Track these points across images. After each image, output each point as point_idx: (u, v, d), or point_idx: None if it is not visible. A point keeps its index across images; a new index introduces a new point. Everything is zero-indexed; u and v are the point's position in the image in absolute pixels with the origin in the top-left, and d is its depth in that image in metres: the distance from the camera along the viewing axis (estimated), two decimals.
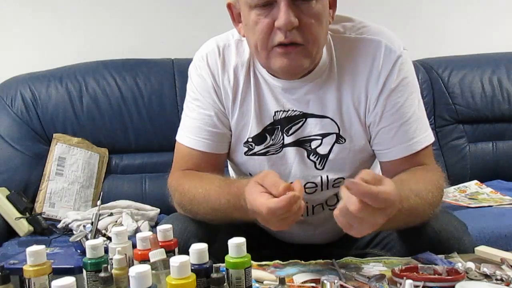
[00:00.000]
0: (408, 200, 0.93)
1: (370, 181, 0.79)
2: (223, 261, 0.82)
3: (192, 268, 0.75)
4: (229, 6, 1.08)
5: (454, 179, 2.08)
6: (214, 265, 0.80)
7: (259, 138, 1.12)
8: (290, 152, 1.12)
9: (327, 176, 1.12)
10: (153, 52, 2.19)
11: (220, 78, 1.11)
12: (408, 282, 0.79)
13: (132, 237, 0.94)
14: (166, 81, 2.09)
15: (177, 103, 2.04)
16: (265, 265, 1.00)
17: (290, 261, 1.01)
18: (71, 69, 2.08)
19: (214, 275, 0.73)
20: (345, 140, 1.10)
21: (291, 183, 0.88)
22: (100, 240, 0.88)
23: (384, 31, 1.08)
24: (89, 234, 1.06)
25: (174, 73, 2.10)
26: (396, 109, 1.06)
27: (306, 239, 1.22)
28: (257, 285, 0.89)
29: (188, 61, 1.19)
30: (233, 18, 1.08)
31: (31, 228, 1.74)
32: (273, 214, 0.84)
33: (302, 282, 0.90)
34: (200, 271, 0.77)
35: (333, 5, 1.05)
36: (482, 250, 0.99)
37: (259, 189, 0.88)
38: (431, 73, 2.24)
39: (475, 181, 2.11)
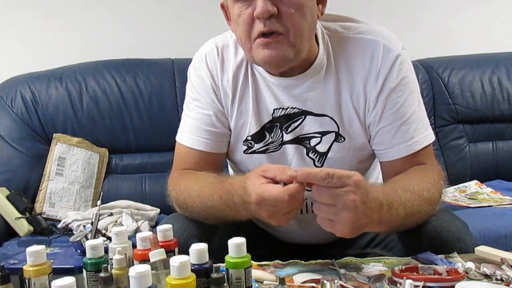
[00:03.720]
0: (397, 194, 0.93)
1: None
2: (223, 261, 0.82)
3: (192, 268, 0.75)
4: (222, 6, 1.09)
5: (454, 179, 2.09)
6: (214, 265, 0.80)
7: (258, 136, 1.12)
8: (289, 149, 1.12)
9: None
10: (153, 52, 2.19)
11: (219, 78, 1.11)
12: (408, 282, 0.79)
13: (132, 237, 0.94)
14: (166, 81, 2.08)
15: (177, 103, 2.04)
16: (265, 265, 1.00)
17: (290, 261, 1.01)
18: (71, 69, 2.08)
19: (214, 275, 0.73)
20: (344, 139, 1.10)
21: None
22: (100, 240, 0.88)
23: (382, 31, 1.09)
24: (89, 234, 1.06)
25: (174, 73, 2.10)
26: (395, 109, 1.06)
27: (305, 238, 1.22)
28: (257, 285, 0.89)
29: (188, 61, 1.19)
30: (227, 18, 1.09)
31: (31, 228, 1.74)
32: (293, 198, 0.85)
33: (302, 282, 0.90)
34: (200, 271, 0.77)
35: (321, 0, 1.05)
36: (482, 250, 0.99)
37: (264, 180, 0.88)
38: (431, 73, 2.24)
39: (475, 181, 2.11)
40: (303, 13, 0.98)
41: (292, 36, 0.98)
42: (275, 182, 0.88)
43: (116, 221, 1.71)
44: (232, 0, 1.01)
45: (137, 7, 2.28)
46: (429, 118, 1.14)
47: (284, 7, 0.97)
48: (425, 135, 1.09)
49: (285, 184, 0.87)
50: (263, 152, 1.13)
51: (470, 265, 0.91)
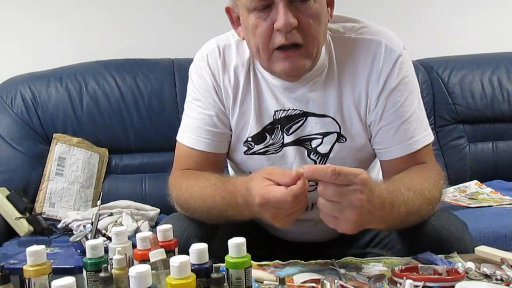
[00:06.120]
0: (400, 192, 0.94)
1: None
2: (223, 261, 0.82)
3: (192, 268, 0.75)
4: (227, 10, 1.08)
5: (454, 179, 2.09)
6: (214, 265, 0.80)
7: (258, 138, 1.12)
8: (290, 151, 1.12)
9: None
10: (153, 52, 2.19)
11: (220, 78, 1.11)
12: (408, 282, 0.79)
13: (132, 237, 0.94)
14: (166, 81, 2.09)
15: (177, 103, 2.04)
16: (265, 265, 1.00)
17: (290, 261, 1.01)
18: (71, 69, 2.08)
19: (214, 275, 0.73)
20: (346, 139, 1.10)
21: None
22: (100, 240, 0.88)
23: (384, 31, 1.09)
24: (89, 234, 1.06)
25: (174, 73, 2.10)
26: (396, 108, 1.06)
27: (305, 236, 1.22)
28: (257, 285, 0.89)
29: (188, 61, 1.19)
30: (232, 22, 1.09)
31: (31, 228, 1.74)
32: (296, 199, 0.85)
33: (302, 282, 0.90)
34: (200, 271, 0.77)
35: (330, 3, 1.05)
36: (482, 250, 0.99)
37: (268, 182, 0.88)
38: (431, 73, 2.24)
39: (475, 181, 2.11)
40: (319, 23, 0.99)
41: (310, 46, 0.99)
42: (279, 184, 0.88)
43: (116, 221, 1.71)
44: (247, 10, 0.99)
45: (137, 7, 2.28)
46: (429, 118, 1.14)
47: (303, 18, 0.96)
48: (425, 135, 1.09)
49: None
50: (263, 153, 1.13)
51: (470, 265, 0.91)
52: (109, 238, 1.04)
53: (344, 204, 0.84)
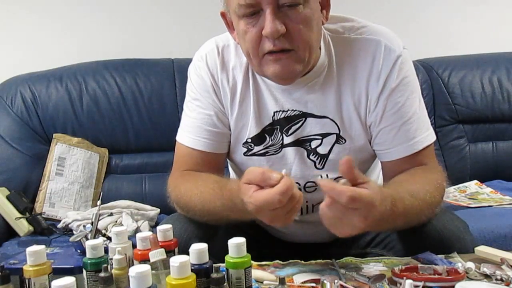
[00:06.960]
0: (403, 201, 0.93)
1: (351, 179, 0.82)
2: (223, 261, 0.82)
3: (192, 268, 0.75)
4: (222, 14, 1.08)
5: (454, 179, 2.08)
6: (214, 265, 0.80)
7: (258, 139, 1.12)
8: (290, 152, 1.12)
9: (327, 176, 1.12)
10: (153, 52, 2.19)
11: (219, 77, 1.11)
12: (408, 282, 0.79)
13: (132, 237, 0.94)
14: (166, 81, 2.09)
15: (177, 103, 2.04)
16: (265, 265, 1.00)
17: (290, 261, 1.01)
18: (71, 69, 2.08)
19: (214, 275, 0.73)
20: (345, 140, 1.10)
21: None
22: (100, 240, 0.88)
23: (384, 31, 1.08)
24: (89, 234, 1.06)
25: (174, 73, 2.10)
26: (396, 109, 1.06)
27: (306, 238, 1.22)
28: (257, 285, 0.89)
29: (188, 61, 1.19)
30: (228, 26, 1.09)
31: (31, 228, 1.74)
32: (286, 196, 0.82)
33: (302, 282, 0.91)
34: (200, 271, 0.77)
35: (325, 5, 1.04)
36: (482, 250, 0.99)
37: (253, 188, 0.87)
38: (431, 73, 2.24)
39: (475, 181, 2.11)
40: (310, 27, 0.98)
41: (301, 51, 0.98)
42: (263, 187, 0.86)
43: (116, 221, 1.71)
44: (237, 16, 0.99)
45: (137, 7, 2.28)
46: (429, 118, 1.14)
47: (292, 24, 0.96)
48: (426, 135, 1.09)
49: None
50: (263, 154, 1.13)
51: (470, 265, 0.91)
52: (109, 238, 1.04)
53: (344, 221, 0.83)
